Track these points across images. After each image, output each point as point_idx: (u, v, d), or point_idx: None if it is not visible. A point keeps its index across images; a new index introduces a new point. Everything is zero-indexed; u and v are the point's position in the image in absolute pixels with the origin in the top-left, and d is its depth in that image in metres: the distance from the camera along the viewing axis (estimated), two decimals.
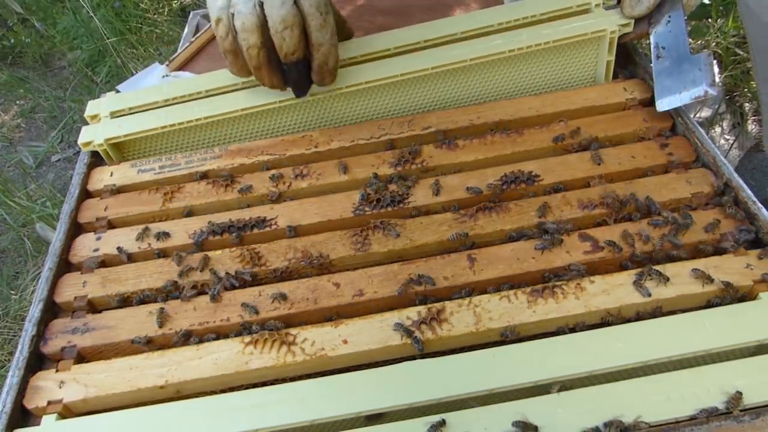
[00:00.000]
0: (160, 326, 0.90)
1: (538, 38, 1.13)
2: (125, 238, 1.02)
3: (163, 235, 1.02)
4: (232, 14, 0.95)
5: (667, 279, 0.85)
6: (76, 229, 1.07)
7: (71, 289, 0.97)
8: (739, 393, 0.73)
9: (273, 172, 1.09)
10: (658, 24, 1.11)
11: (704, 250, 0.90)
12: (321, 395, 0.80)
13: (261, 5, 0.94)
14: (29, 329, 0.90)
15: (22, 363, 0.87)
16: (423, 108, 1.20)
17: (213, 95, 1.18)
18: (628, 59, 1.23)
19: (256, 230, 1.01)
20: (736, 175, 0.97)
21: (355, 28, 1.60)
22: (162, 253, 1.01)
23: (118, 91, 1.29)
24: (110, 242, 1.02)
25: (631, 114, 1.10)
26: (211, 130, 1.18)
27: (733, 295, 0.84)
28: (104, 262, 1.01)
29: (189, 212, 1.07)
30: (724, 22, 2.23)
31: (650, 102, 1.10)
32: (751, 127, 2.14)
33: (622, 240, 0.91)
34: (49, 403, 0.84)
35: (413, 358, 0.84)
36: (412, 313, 0.86)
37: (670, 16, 1.10)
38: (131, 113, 1.19)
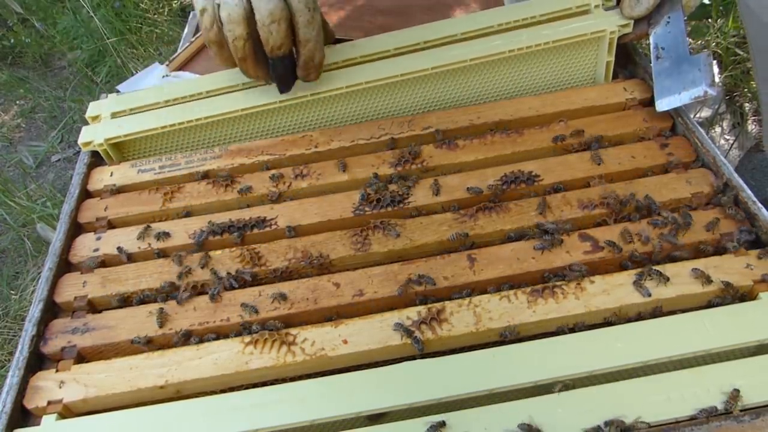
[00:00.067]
0: (160, 326, 0.90)
1: (537, 39, 1.13)
2: (125, 238, 1.02)
3: (163, 235, 1.02)
4: (218, 5, 0.94)
5: (667, 279, 0.85)
6: (76, 229, 1.07)
7: (71, 289, 0.97)
8: (737, 391, 0.73)
9: (273, 172, 1.09)
10: (657, 25, 1.11)
11: (704, 250, 0.90)
12: (321, 395, 0.80)
13: None
14: (29, 329, 0.90)
15: (22, 363, 0.87)
16: (423, 108, 1.20)
17: (213, 96, 1.18)
18: (628, 59, 1.23)
19: (256, 230, 1.01)
20: (736, 175, 0.97)
21: (355, 28, 1.60)
22: (162, 253, 1.01)
23: (118, 92, 1.30)
24: (110, 242, 1.02)
25: (631, 114, 1.10)
26: (211, 130, 1.18)
27: (733, 295, 0.84)
28: (104, 262, 1.01)
29: (189, 212, 1.07)
30: (724, 22, 2.23)
31: (650, 102, 1.10)
32: (751, 127, 2.14)
33: (622, 240, 0.91)
34: (49, 403, 0.84)
35: (413, 358, 0.84)
36: (412, 313, 0.86)
37: (669, 17, 1.10)
38: (132, 114, 1.19)
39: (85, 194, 1.13)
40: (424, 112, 1.19)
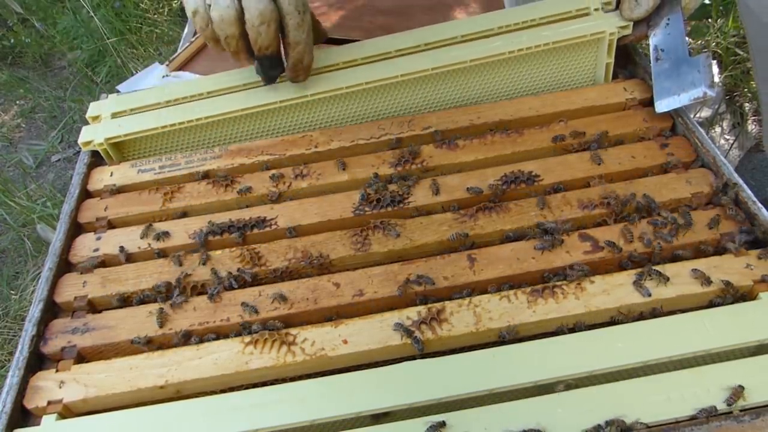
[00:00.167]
0: (160, 326, 0.90)
1: (537, 40, 1.13)
2: (126, 238, 1.02)
3: (163, 235, 1.02)
4: (209, 5, 0.96)
5: (667, 279, 0.85)
6: (76, 229, 1.07)
7: (71, 289, 0.97)
8: (741, 387, 0.73)
9: (273, 172, 1.09)
10: (656, 26, 1.11)
11: (704, 250, 0.90)
12: (321, 395, 0.80)
13: None
14: (29, 329, 0.90)
15: (22, 363, 0.87)
16: (423, 109, 1.20)
17: (214, 96, 1.18)
18: (628, 59, 1.23)
19: (256, 230, 1.01)
20: (736, 175, 0.97)
21: (355, 28, 1.60)
22: (162, 253, 1.01)
23: (118, 92, 1.30)
24: (110, 242, 1.02)
25: (631, 114, 1.10)
26: (211, 130, 1.18)
27: (733, 295, 0.84)
28: (104, 262, 1.01)
29: (189, 212, 1.07)
30: (724, 22, 2.23)
31: (650, 102, 1.10)
32: (751, 127, 2.14)
33: (622, 240, 0.91)
34: (49, 403, 0.84)
35: (413, 358, 0.84)
36: (412, 313, 0.86)
37: (668, 19, 1.10)
38: (132, 114, 1.19)
39: (85, 194, 1.13)
40: (425, 112, 1.19)
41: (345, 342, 0.85)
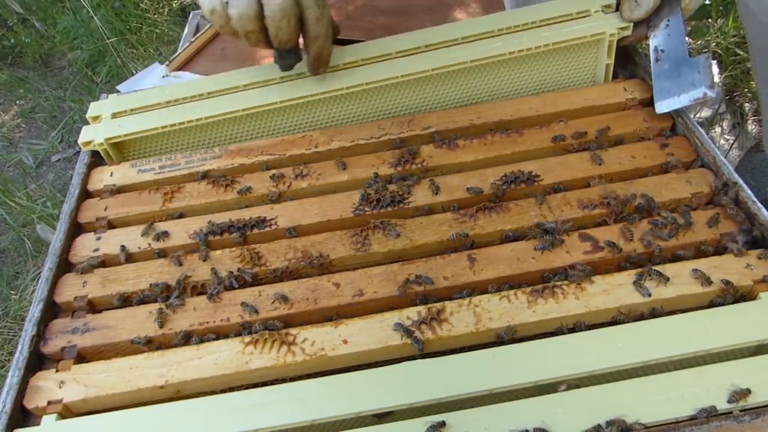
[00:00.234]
0: (161, 326, 0.90)
1: (537, 41, 1.13)
2: (126, 238, 1.02)
3: (163, 235, 1.02)
4: (226, 3, 0.96)
5: (667, 279, 0.85)
6: (76, 229, 1.07)
7: (71, 289, 0.97)
8: (748, 390, 0.73)
9: (273, 172, 1.09)
10: (656, 28, 1.11)
11: (705, 250, 0.90)
12: (321, 395, 0.80)
13: None
14: (29, 329, 0.90)
15: (22, 363, 0.87)
16: (424, 110, 1.20)
17: (214, 96, 1.18)
18: (628, 59, 1.23)
19: (256, 230, 1.01)
20: (736, 175, 0.97)
21: (355, 28, 1.60)
22: (162, 253, 1.01)
23: (118, 92, 1.30)
24: (110, 242, 1.02)
25: (631, 114, 1.10)
26: (211, 130, 1.18)
27: (733, 295, 0.84)
28: (104, 262, 1.01)
29: (188, 213, 1.07)
30: (724, 22, 2.23)
31: (650, 102, 1.10)
32: (751, 127, 2.14)
33: (622, 240, 0.91)
34: (49, 403, 0.84)
35: (413, 358, 0.84)
36: (412, 313, 0.86)
37: (668, 20, 1.10)
38: (132, 114, 1.19)
39: (85, 194, 1.13)
40: (425, 112, 1.19)
41: (345, 342, 0.85)
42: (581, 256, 0.91)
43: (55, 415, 0.83)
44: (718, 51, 2.23)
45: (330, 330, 0.86)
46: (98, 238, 1.03)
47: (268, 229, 1.01)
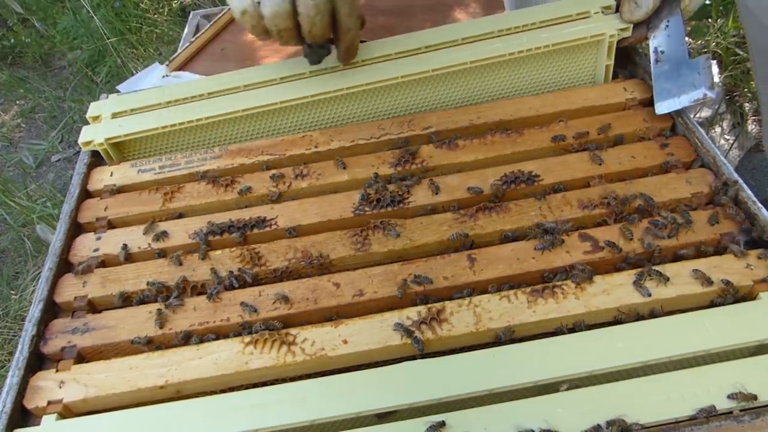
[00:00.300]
0: (160, 327, 0.90)
1: (537, 41, 1.13)
2: (126, 238, 1.02)
3: (163, 235, 1.02)
4: (257, 2, 0.97)
5: (667, 279, 0.85)
6: (76, 229, 1.07)
7: (71, 289, 0.97)
8: (755, 396, 0.73)
9: (273, 172, 1.09)
10: (656, 29, 1.11)
11: (705, 250, 0.90)
12: (321, 395, 0.80)
13: None
14: (29, 329, 0.90)
15: (22, 363, 0.87)
16: (423, 110, 1.20)
17: (214, 96, 1.18)
18: (628, 59, 1.23)
19: (256, 230, 1.01)
20: (736, 174, 0.97)
21: None
22: (162, 253, 1.01)
23: (118, 92, 1.30)
24: (110, 242, 1.02)
25: (631, 114, 1.10)
26: (211, 131, 1.18)
27: (733, 295, 0.84)
28: (104, 262, 1.01)
29: (188, 213, 1.07)
30: (724, 22, 2.23)
31: (650, 102, 1.10)
32: (751, 127, 2.14)
33: (622, 240, 0.91)
34: (49, 403, 0.84)
35: (413, 358, 0.84)
36: (412, 313, 0.86)
37: (668, 21, 1.10)
38: (132, 114, 1.19)
39: (85, 194, 1.13)
40: (425, 112, 1.19)
41: (345, 342, 0.85)
42: (581, 256, 0.91)
43: (55, 415, 0.83)
44: (718, 51, 2.23)
45: (330, 330, 0.86)
46: (98, 238, 1.03)
47: (268, 229, 1.02)
